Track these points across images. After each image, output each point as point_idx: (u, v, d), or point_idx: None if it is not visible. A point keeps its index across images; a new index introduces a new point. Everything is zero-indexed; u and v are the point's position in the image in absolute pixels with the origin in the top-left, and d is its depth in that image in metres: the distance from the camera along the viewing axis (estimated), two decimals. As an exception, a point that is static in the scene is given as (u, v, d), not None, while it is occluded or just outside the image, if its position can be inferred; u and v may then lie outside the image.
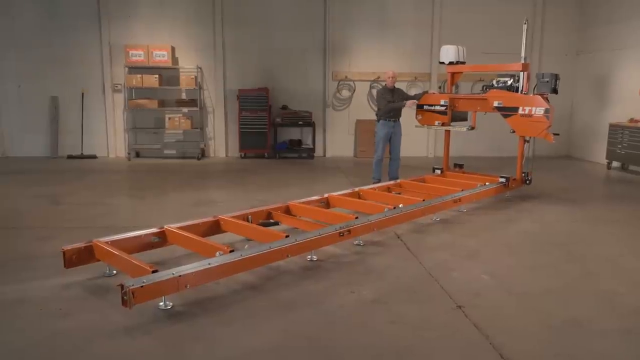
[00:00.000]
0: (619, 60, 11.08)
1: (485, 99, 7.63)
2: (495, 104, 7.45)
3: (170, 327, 3.47)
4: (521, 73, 7.36)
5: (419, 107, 8.36)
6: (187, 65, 11.60)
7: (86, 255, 4.29)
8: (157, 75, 11.24)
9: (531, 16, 11.67)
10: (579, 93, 12.55)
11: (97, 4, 11.33)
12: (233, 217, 5.19)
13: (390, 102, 8.03)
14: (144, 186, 8.79)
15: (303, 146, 12.22)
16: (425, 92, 8.68)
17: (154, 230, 4.73)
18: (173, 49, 11.34)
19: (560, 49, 12.48)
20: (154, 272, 3.61)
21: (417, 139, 11.74)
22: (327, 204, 6.21)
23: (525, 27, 7.35)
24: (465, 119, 8.46)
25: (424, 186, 7.30)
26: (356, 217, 5.16)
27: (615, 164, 10.76)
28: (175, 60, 11.46)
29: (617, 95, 11.19)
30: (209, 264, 3.86)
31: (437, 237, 5.70)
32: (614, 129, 10.53)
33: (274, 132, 11.97)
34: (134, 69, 11.25)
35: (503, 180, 7.45)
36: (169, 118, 11.68)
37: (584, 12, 12.37)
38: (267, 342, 3.31)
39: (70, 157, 11.51)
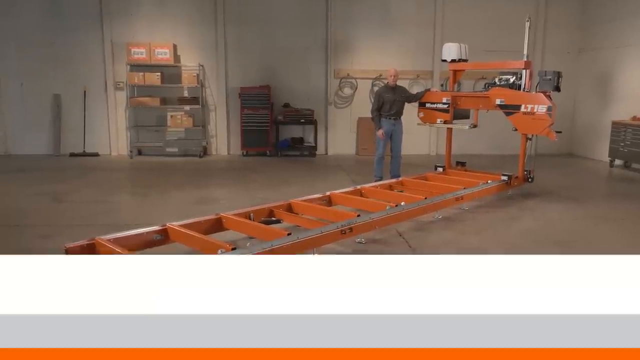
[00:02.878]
0: (621, 58, 11.04)
1: (488, 96, 7.62)
2: (498, 101, 7.43)
3: (172, 325, 3.47)
4: (523, 71, 7.34)
5: (422, 104, 8.36)
6: (189, 63, 11.60)
7: (88, 252, 4.27)
8: (159, 73, 11.24)
9: (533, 14, 11.61)
10: (581, 91, 12.52)
11: (99, 2, 11.31)
12: (235, 214, 5.19)
13: (377, 110, 8.21)
14: (146, 184, 8.79)
15: (305, 144, 12.22)
16: (427, 90, 8.67)
17: (156, 228, 4.74)
18: (175, 46, 11.34)
19: (563, 47, 12.44)
20: (156, 269, 3.61)
21: (419, 137, 11.73)
22: (329, 201, 6.20)
23: (527, 24, 7.32)
24: (467, 117, 8.45)
25: (426, 184, 7.29)
26: (358, 215, 5.16)
27: (617, 162, 10.74)
28: (177, 58, 11.46)
29: (619, 93, 11.15)
30: (211, 261, 3.86)
31: (439, 235, 5.70)
32: (617, 126, 10.50)
33: (275, 130, 11.96)
34: (136, 66, 11.26)
35: (505, 178, 7.44)
36: (171, 116, 11.66)
37: (587, 10, 12.33)
38: (269, 339, 3.30)
39: (72, 155, 11.52)
